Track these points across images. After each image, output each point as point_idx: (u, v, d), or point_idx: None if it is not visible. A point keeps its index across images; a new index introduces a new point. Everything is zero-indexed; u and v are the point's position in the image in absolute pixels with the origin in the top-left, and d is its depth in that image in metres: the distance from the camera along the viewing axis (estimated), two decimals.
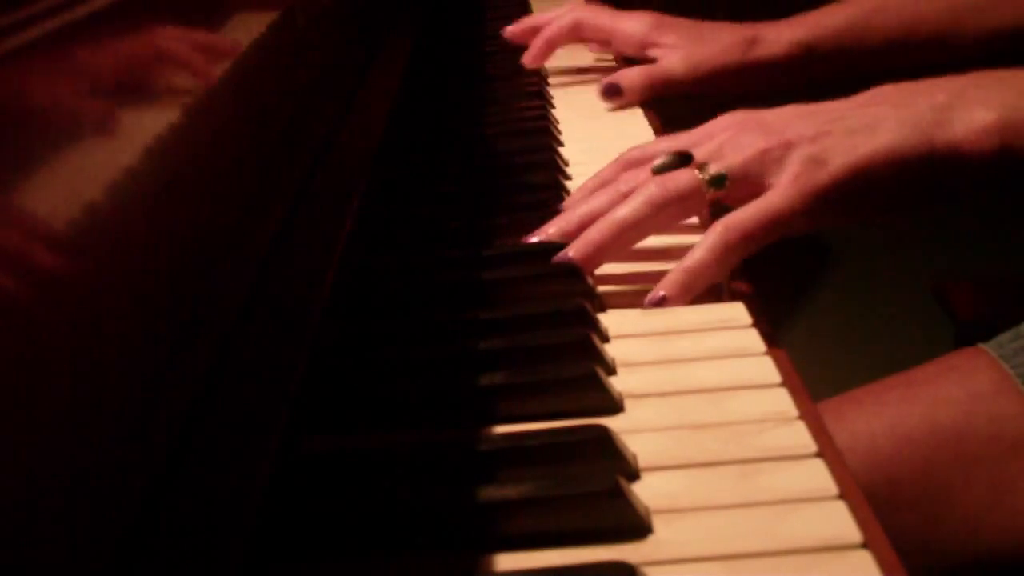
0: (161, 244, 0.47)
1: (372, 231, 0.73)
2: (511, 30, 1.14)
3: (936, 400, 0.79)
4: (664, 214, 0.64)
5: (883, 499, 0.75)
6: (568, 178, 0.83)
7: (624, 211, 0.63)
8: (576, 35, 1.10)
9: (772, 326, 0.58)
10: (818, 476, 0.46)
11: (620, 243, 0.63)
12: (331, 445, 0.51)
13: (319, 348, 0.56)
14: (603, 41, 1.11)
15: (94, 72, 0.43)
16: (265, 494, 0.45)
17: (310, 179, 0.73)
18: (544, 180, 0.81)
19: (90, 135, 0.42)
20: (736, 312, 0.59)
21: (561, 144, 0.92)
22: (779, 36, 1.00)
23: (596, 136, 0.95)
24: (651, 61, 1.03)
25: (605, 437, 0.47)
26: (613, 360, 0.56)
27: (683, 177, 0.64)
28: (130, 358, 0.43)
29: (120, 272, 0.43)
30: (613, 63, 1.15)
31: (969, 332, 1.14)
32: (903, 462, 0.77)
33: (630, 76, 1.00)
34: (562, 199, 0.76)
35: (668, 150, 0.68)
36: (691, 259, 0.60)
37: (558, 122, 0.98)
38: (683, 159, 0.66)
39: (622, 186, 0.66)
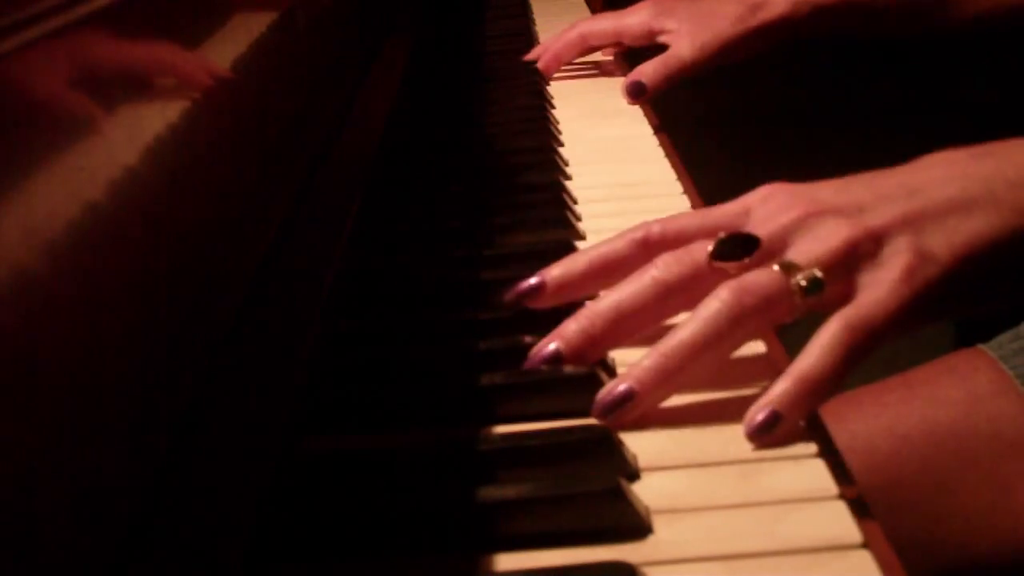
0: (161, 244, 0.47)
1: (372, 231, 0.73)
2: (533, 57, 1.14)
3: (935, 401, 0.79)
4: (745, 329, 0.50)
5: (883, 499, 0.75)
6: (568, 178, 0.83)
7: (694, 328, 0.49)
8: (584, 47, 1.11)
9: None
10: (818, 476, 0.46)
11: (691, 372, 0.50)
12: (331, 445, 0.51)
13: (319, 348, 0.56)
14: (614, 44, 1.12)
15: (94, 72, 0.43)
16: (265, 494, 0.45)
17: (310, 179, 0.73)
18: (544, 180, 0.81)
19: (90, 135, 0.42)
20: None
21: (561, 144, 0.92)
22: None
23: (596, 136, 0.95)
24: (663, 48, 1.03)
25: (605, 437, 0.47)
26: (613, 360, 0.56)
27: (763, 279, 0.50)
28: (129, 358, 0.43)
29: (119, 272, 0.43)
30: (611, 60, 1.15)
31: (969, 333, 1.14)
32: (902, 462, 0.77)
33: (648, 71, 1.01)
34: (562, 199, 0.76)
35: (719, 227, 0.53)
36: (808, 366, 0.48)
37: (558, 122, 0.98)
38: (745, 244, 0.52)
39: (661, 273, 0.52)
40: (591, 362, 0.52)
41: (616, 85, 1.05)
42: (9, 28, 0.36)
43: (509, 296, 0.56)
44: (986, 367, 0.79)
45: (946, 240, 0.50)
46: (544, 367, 0.52)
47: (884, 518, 0.44)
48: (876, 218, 0.51)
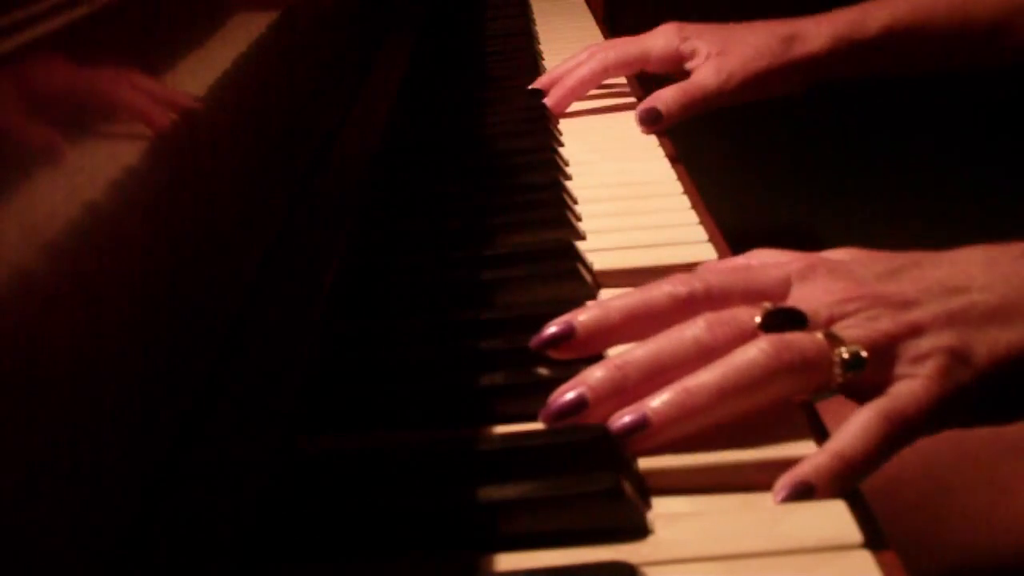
0: (161, 244, 0.47)
1: (372, 231, 0.73)
2: (543, 87, 1.03)
3: None
4: (777, 385, 0.48)
5: (883, 500, 0.74)
6: (568, 178, 0.83)
7: (725, 369, 0.48)
8: (604, 77, 1.02)
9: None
10: None
11: (712, 414, 0.48)
12: (331, 445, 0.51)
13: (319, 348, 0.56)
14: (637, 71, 1.03)
15: (94, 72, 0.43)
16: (265, 494, 0.45)
17: (310, 179, 0.73)
18: (544, 180, 0.81)
19: (90, 135, 0.42)
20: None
21: (561, 144, 0.92)
22: (819, 31, 0.96)
23: (597, 136, 0.95)
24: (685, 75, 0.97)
25: (605, 437, 0.47)
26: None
27: (807, 342, 0.49)
28: (130, 358, 0.43)
29: (120, 272, 0.43)
30: (624, 83, 1.13)
31: None
32: (903, 463, 0.77)
33: (666, 98, 0.94)
34: (562, 199, 0.76)
35: (763, 295, 0.52)
36: (845, 444, 0.47)
37: (558, 122, 0.98)
38: (793, 320, 0.50)
39: (699, 333, 0.50)
40: (611, 412, 0.49)
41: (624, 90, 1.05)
42: (9, 28, 0.36)
43: (535, 343, 0.52)
44: None
45: (985, 346, 0.50)
46: (560, 420, 0.49)
47: (885, 518, 0.44)
48: (919, 314, 0.50)
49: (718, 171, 0.70)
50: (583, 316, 0.52)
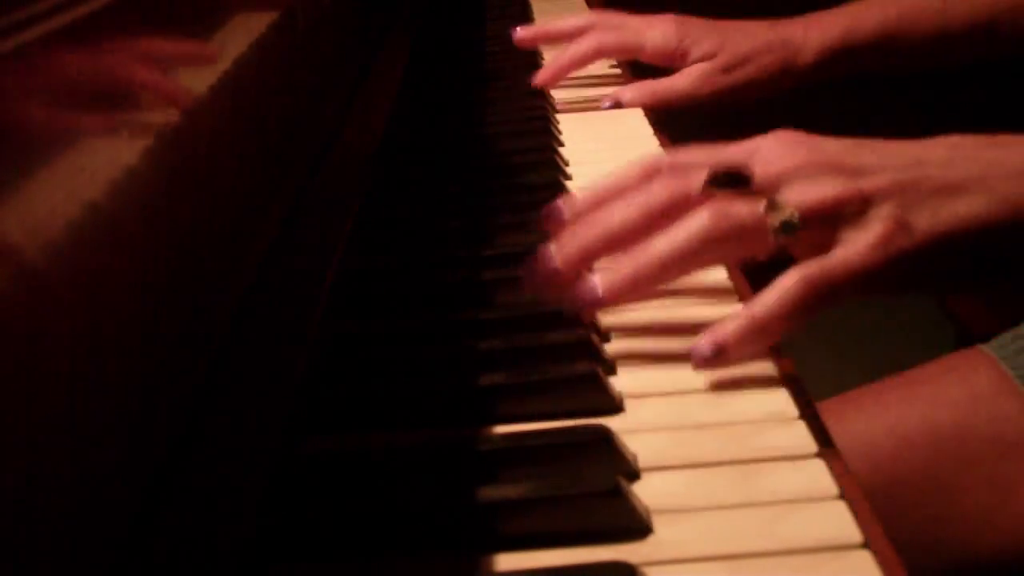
0: (161, 244, 0.47)
1: (372, 231, 0.73)
2: (522, 35, 1.09)
3: (936, 401, 0.79)
4: (715, 253, 0.54)
5: (883, 500, 0.75)
6: (568, 178, 0.83)
7: (668, 243, 0.53)
8: (597, 58, 1.05)
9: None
10: (818, 476, 0.46)
11: (657, 282, 0.54)
12: (331, 445, 0.51)
13: (319, 348, 0.56)
14: (629, 58, 1.06)
15: (94, 72, 0.43)
16: (265, 494, 0.45)
17: (310, 179, 0.73)
18: (544, 180, 0.81)
19: (91, 135, 0.42)
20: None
21: (561, 144, 0.92)
22: (808, 39, 0.97)
23: (597, 135, 0.95)
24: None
25: (605, 437, 0.47)
26: (613, 360, 0.56)
27: (744, 210, 0.53)
28: (130, 358, 0.43)
29: (119, 272, 0.43)
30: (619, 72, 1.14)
31: (969, 333, 1.14)
32: (903, 463, 0.77)
33: (626, 98, 0.99)
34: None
35: (716, 164, 0.56)
36: (761, 307, 0.51)
37: (558, 122, 0.98)
38: (737, 180, 0.54)
39: (651, 197, 0.55)
40: (579, 269, 0.56)
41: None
42: (9, 28, 0.36)
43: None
44: (987, 367, 0.79)
45: (929, 217, 0.52)
46: (537, 282, 0.56)
47: (885, 518, 0.44)
48: (870, 182, 0.53)
49: None
50: (576, 201, 0.60)
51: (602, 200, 0.59)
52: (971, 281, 0.57)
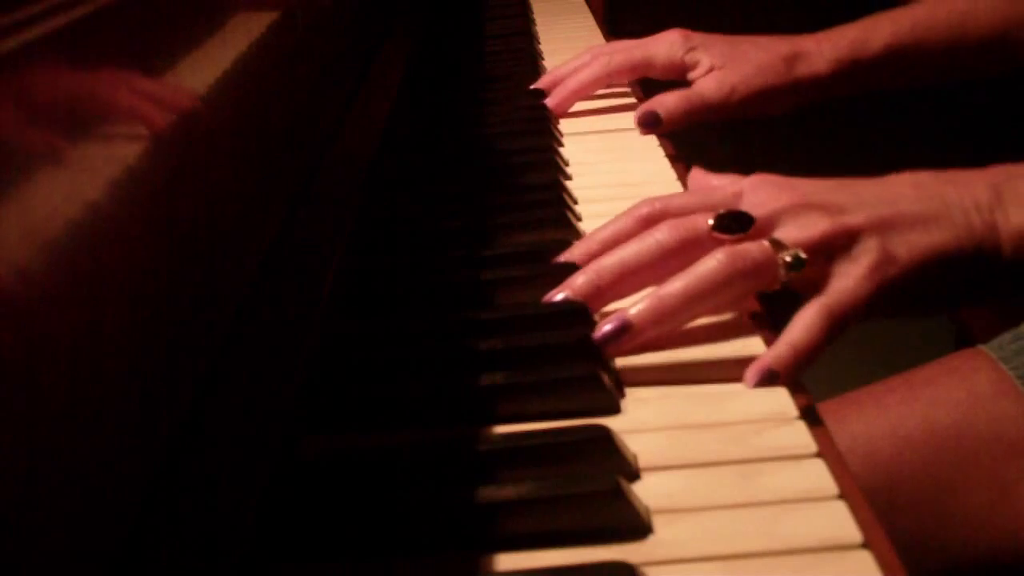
0: (161, 244, 0.47)
1: (372, 231, 0.73)
2: (555, 103, 1.01)
3: (936, 401, 0.79)
4: (732, 290, 0.57)
5: (883, 500, 0.75)
6: (568, 178, 0.83)
7: (691, 278, 0.56)
8: (608, 81, 1.01)
9: (772, 329, 0.58)
10: (818, 476, 0.46)
11: (680, 317, 0.57)
12: (331, 445, 0.51)
13: (319, 348, 0.56)
14: (639, 77, 1.04)
15: (94, 72, 0.43)
16: (265, 494, 0.45)
17: (310, 179, 0.73)
18: (544, 180, 0.81)
19: (90, 134, 0.42)
20: (737, 315, 0.59)
21: (561, 144, 0.92)
22: (821, 51, 0.96)
23: (597, 135, 0.95)
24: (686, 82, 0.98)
25: (605, 437, 0.47)
26: (613, 360, 0.56)
27: (755, 250, 0.57)
28: (130, 358, 0.43)
29: (120, 272, 0.43)
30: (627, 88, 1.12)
31: (969, 333, 1.14)
32: (903, 463, 0.77)
33: (667, 104, 0.94)
34: (562, 199, 0.76)
35: (717, 207, 0.60)
36: (797, 336, 0.55)
37: (558, 122, 0.98)
38: (741, 223, 0.58)
39: (663, 237, 0.59)
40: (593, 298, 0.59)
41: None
42: (10, 28, 0.36)
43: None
44: (987, 368, 0.79)
45: (907, 248, 0.58)
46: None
47: (885, 518, 0.44)
48: (853, 218, 0.58)
49: (718, 171, 0.70)
50: (575, 250, 0.63)
51: (604, 247, 0.62)
52: (954, 302, 0.62)
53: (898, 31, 0.97)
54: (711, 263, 0.56)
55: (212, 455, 0.46)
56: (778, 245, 0.57)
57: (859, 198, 0.59)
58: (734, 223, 0.58)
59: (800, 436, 0.49)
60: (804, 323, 0.56)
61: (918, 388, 0.80)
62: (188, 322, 0.49)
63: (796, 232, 0.57)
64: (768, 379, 0.54)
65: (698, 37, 0.99)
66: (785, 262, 0.56)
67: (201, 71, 0.56)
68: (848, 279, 0.56)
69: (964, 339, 1.12)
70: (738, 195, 0.62)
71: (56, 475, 0.36)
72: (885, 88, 1.01)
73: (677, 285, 0.56)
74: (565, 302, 0.59)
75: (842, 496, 0.44)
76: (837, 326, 0.56)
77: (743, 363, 0.54)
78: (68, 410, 0.37)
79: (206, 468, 0.45)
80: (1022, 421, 0.76)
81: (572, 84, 1.00)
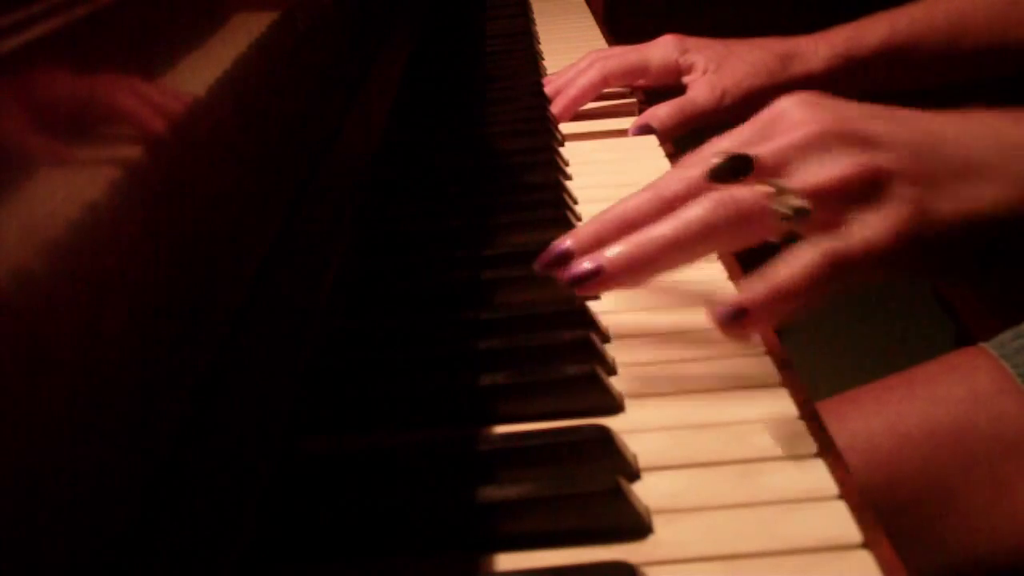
0: (161, 244, 0.47)
1: (372, 231, 0.73)
2: (560, 112, 1.02)
3: (936, 400, 0.79)
4: (719, 239, 0.52)
5: (883, 498, 0.75)
6: (568, 178, 0.83)
7: (667, 225, 0.52)
8: (605, 86, 1.03)
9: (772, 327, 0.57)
10: (818, 476, 0.46)
11: (656, 264, 0.53)
12: (331, 445, 0.51)
13: (319, 348, 0.56)
14: (636, 81, 1.05)
15: (94, 72, 0.43)
16: (265, 494, 0.45)
17: (310, 179, 0.73)
18: (544, 180, 0.81)
19: (89, 134, 0.42)
20: None
21: (561, 144, 0.92)
22: (817, 50, 0.96)
23: (597, 135, 0.95)
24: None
25: (605, 437, 0.47)
26: (613, 360, 0.56)
27: (747, 196, 0.52)
28: (130, 358, 0.43)
29: (120, 272, 0.43)
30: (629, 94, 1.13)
31: (969, 332, 1.14)
32: (903, 462, 0.77)
33: (660, 115, 0.95)
34: (562, 199, 0.76)
35: (719, 152, 0.55)
36: (782, 278, 0.49)
37: (558, 122, 0.98)
38: (738, 168, 0.53)
39: (662, 185, 0.55)
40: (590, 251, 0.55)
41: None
42: (10, 28, 0.36)
43: (539, 265, 0.56)
44: (987, 365, 0.79)
45: (950, 203, 0.50)
46: (551, 268, 0.55)
47: (885, 518, 0.44)
48: (888, 160, 0.51)
49: None
50: (568, 240, 0.57)
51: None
52: (981, 269, 0.54)
53: (895, 29, 0.97)
54: (694, 209, 0.52)
55: (212, 455, 0.46)
56: (779, 190, 0.51)
57: (905, 134, 0.52)
58: (730, 171, 0.53)
59: (800, 436, 0.48)
60: (798, 264, 0.49)
61: (918, 386, 0.80)
62: (188, 322, 0.49)
63: (811, 173, 0.51)
64: (733, 317, 0.48)
65: (692, 41, 1.00)
66: (785, 212, 0.50)
67: (201, 71, 0.56)
68: (866, 229, 0.50)
69: (964, 338, 1.12)
70: (776, 116, 0.56)
71: (56, 475, 0.36)
72: (882, 88, 1.00)
73: (655, 232, 0.52)
74: (565, 302, 0.59)
75: (842, 496, 0.44)
76: (836, 275, 0.49)
77: (743, 363, 0.54)
78: (67, 410, 0.37)
79: (206, 468, 0.45)
80: (1022, 419, 0.76)
81: (572, 91, 1.02)
